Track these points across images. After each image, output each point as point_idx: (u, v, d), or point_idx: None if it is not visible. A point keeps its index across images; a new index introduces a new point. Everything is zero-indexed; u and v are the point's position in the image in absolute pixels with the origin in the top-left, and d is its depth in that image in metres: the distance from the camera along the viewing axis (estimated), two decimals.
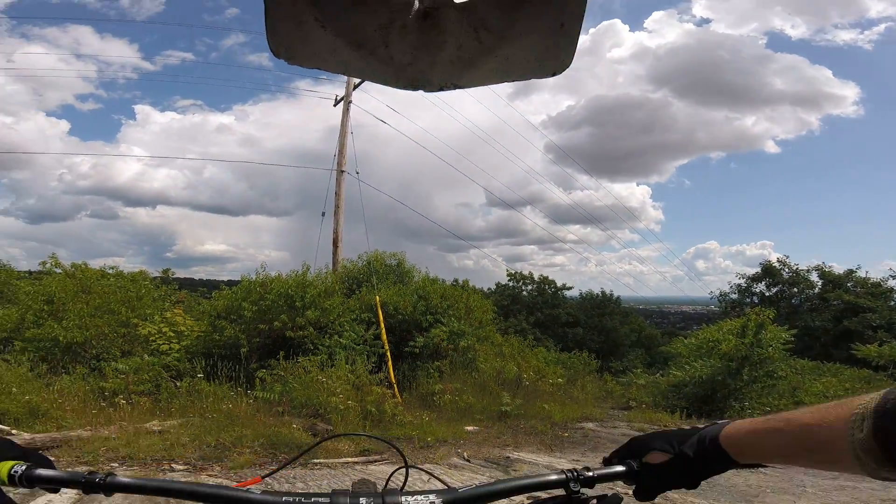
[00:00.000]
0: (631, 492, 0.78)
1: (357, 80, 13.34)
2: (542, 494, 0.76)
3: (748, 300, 23.30)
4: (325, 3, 0.63)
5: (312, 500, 0.65)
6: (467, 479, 4.78)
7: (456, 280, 11.70)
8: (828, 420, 0.58)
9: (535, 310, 25.85)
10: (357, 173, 11.90)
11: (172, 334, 8.63)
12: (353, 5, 0.63)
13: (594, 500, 0.72)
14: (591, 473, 0.74)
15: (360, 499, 0.65)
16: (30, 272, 12.84)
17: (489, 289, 25.06)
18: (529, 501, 0.78)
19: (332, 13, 0.64)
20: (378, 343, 8.25)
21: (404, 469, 0.96)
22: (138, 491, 0.68)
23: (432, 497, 0.67)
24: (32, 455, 0.68)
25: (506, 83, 0.79)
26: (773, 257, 27.21)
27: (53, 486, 0.67)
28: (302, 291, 8.60)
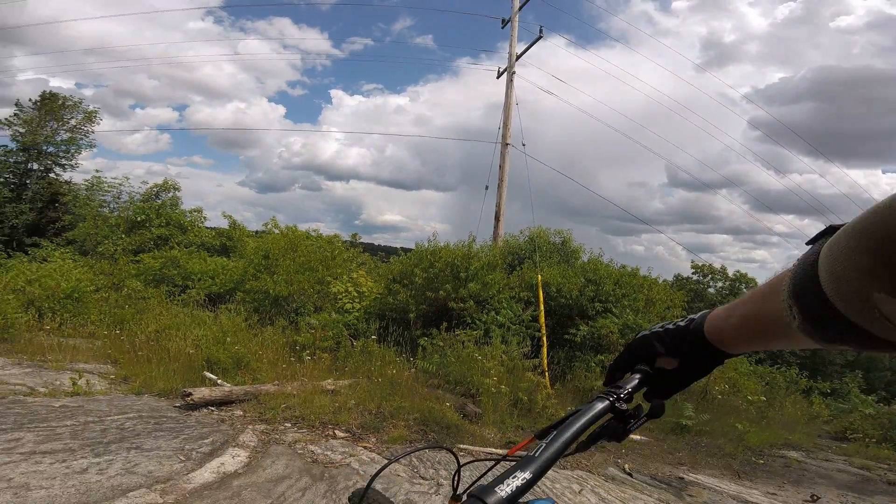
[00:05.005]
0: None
1: (519, 51, 12.91)
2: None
3: None
4: None
5: None
6: (629, 497, 4.20)
7: (624, 266, 10.53)
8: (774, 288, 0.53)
9: None
10: (524, 145, 11.49)
11: (356, 294, 9.60)
12: None
13: (637, 414, 0.72)
14: (627, 388, 0.74)
15: None
16: (256, 232, 15.86)
17: (664, 280, 22.22)
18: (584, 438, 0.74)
19: None
20: (535, 325, 7.88)
21: (478, 468, 0.95)
22: None
23: (524, 474, 0.63)
24: None
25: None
26: None
27: None
28: (467, 263, 8.70)
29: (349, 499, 0.98)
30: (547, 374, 7.10)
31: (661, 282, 10.90)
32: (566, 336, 7.93)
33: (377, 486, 3.61)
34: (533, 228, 10.96)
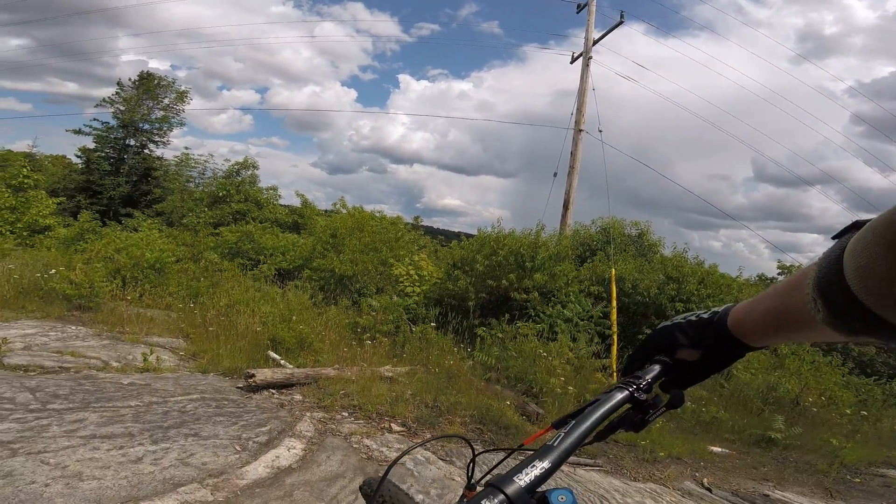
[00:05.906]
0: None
1: (597, 35, 12.43)
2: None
3: None
4: None
5: None
6: None
7: (700, 263, 9.66)
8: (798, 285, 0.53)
9: None
10: (600, 132, 10.71)
11: (417, 277, 9.52)
12: None
13: (656, 404, 0.72)
14: (646, 379, 0.73)
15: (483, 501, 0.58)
16: (325, 211, 16.35)
17: (744, 280, 20.55)
18: (602, 427, 0.70)
19: None
20: (606, 322, 7.37)
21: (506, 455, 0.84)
22: None
23: (543, 464, 0.61)
24: None
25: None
26: None
27: None
28: (533, 252, 8.30)
29: (360, 487, 0.97)
30: (616, 375, 6.61)
31: (756, 285, 9.93)
32: (639, 335, 7.37)
33: (408, 484, 3.49)
34: (606, 218, 10.26)
